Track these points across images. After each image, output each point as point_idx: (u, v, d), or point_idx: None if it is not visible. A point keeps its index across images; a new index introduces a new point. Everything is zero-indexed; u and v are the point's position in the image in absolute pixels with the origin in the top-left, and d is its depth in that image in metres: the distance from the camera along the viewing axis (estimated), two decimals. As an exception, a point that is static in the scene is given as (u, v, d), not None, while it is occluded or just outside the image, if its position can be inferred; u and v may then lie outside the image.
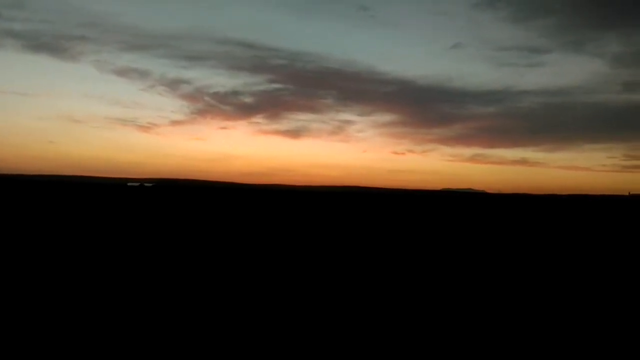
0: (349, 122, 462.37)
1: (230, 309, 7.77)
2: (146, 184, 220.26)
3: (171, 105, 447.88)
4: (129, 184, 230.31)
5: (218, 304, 8.01)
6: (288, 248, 15.49)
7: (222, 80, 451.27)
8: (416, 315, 7.82)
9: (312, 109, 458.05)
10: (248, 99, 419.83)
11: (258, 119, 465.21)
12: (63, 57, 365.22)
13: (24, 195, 53.85)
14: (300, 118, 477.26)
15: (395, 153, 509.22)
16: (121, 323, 6.80)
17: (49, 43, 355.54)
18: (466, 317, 7.74)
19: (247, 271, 11.09)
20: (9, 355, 5.54)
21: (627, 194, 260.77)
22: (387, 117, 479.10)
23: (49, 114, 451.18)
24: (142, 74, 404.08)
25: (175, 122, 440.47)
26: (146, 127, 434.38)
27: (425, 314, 7.86)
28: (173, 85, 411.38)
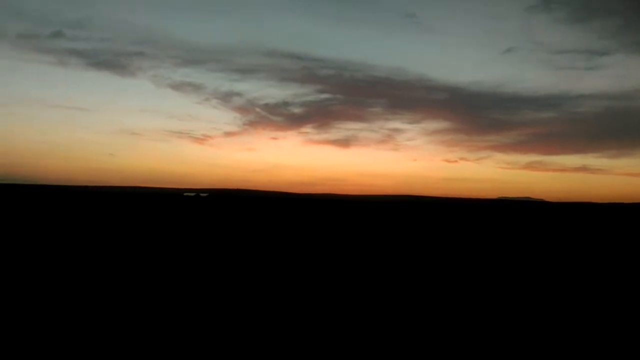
0: (398, 130, 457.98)
1: (285, 317, 7.63)
2: (201, 194, 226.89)
3: (224, 117, 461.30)
4: (185, 194, 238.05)
5: (272, 312, 7.90)
6: (339, 257, 15.26)
7: (272, 92, 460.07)
8: (473, 329, 7.37)
9: (361, 118, 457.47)
10: (297, 110, 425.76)
11: (307, 128, 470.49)
12: (122, 73, 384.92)
13: (87, 205, 56.63)
14: (349, 127, 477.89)
15: (448, 161, 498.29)
16: (186, 326, 6.81)
17: (109, 60, 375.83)
18: (528, 333, 7.22)
19: (299, 279, 10.95)
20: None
21: None
22: (438, 125, 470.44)
23: (109, 128, 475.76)
24: (197, 88, 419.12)
25: (228, 134, 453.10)
26: (201, 139, 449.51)
27: (483, 329, 7.40)
28: (226, 97, 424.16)
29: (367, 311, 8.24)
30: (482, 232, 29.56)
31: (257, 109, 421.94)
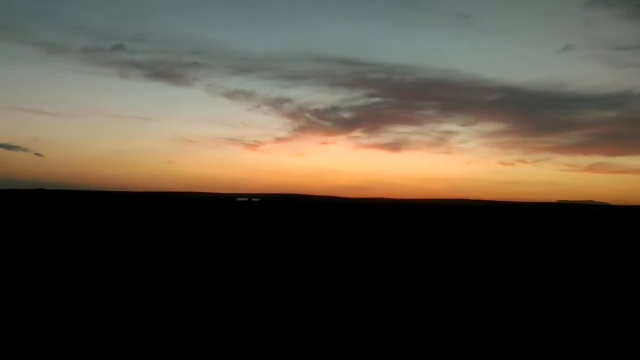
0: (451, 133, 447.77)
1: (336, 322, 7.73)
2: (253, 199, 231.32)
3: (275, 124, 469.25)
4: (238, 199, 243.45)
5: (325, 315, 8.02)
6: (390, 261, 15.19)
7: (322, 97, 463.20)
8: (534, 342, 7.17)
9: (412, 121, 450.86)
10: (347, 114, 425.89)
11: (357, 133, 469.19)
12: (178, 83, 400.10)
13: (147, 210, 59.14)
14: (400, 131, 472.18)
15: (503, 164, 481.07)
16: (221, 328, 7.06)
17: (166, 71, 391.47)
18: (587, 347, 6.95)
19: (350, 283, 11.01)
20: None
21: None
22: (492, 127, 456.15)
23: (167, 136, 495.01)
24: (248, 95, 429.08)
25: (279, 139, 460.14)
26: (253, 145, 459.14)
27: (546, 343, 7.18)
28: (276, 104, 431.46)
29: (420, 318, 8.20)
30: (541, 238, 28.48)
31: (307, 115, 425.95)
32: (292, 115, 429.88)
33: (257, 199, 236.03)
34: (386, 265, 14.36)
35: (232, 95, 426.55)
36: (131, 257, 14.34)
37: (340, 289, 10.38)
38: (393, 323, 7.68)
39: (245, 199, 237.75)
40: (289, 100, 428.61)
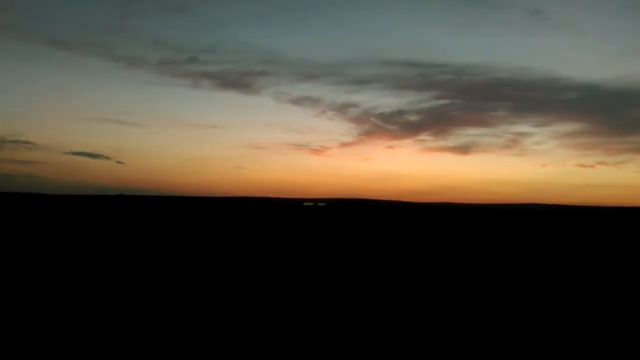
0: (524, 134, 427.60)
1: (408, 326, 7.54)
2: (319, 204, 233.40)
3: (340, 129, 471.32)
4: (304, 203, 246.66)
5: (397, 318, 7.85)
6: (459, 268, 14.67)
7: (387, 101, 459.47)
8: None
9: (482, 123, 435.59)
10: (413, 117, 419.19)
11: (424, 136, 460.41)
12: (247, 92, 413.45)
13: (219, 213, 61.30)
14: (470, 133, 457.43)
15: (582, 166, 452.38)
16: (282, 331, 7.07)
17: (236, 80, 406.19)
18: None
19: (415, 287, 10.73)
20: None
21: None
22: (570, 127, 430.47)
23: (237, 143, 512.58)
24: (314, 101, 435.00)
25: (344, 144, 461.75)
26: (318, 150, 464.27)
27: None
28: (342, 109, 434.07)
29: (494, 327, 7.83)
30: (625, 244, 26.41)
31: (373, 119, 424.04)
32: (357, 119, 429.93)
33: (322, 204, 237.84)
34: (455, 272, 13.89)
35: (298, 101, 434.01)
36: (206, 258, 14.88)
37: (405, 295, 10.15)
38: (470, 331, 7.38)
39: (311, 203, 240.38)
40: (354, 105, 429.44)
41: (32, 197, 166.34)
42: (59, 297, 8.99)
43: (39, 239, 20.30)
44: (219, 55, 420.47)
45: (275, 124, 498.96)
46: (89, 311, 8.04)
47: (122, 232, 25.57)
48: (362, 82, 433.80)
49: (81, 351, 6.08)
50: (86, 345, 6.32)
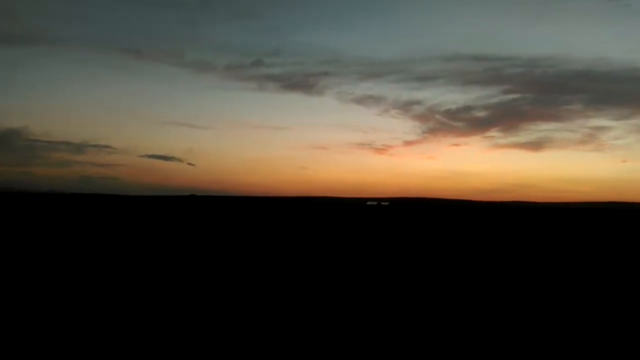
0: (602, 128, 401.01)
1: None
2: (383, 203, 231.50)
3: (404, 127, 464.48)
4: (367, 202, 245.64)
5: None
6: (532, 270, 14.17)
7: (453, 97, 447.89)
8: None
9: (555, 117, 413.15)
10: (481, 113, 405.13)
11: (493, 132, 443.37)
12: (310, 93, 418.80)
13: (282, 212, 62.59)
14: (542, 128, 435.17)
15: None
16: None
17: (300, 81, 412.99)
18: None
19: (484, 289, 10.53)
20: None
21: None
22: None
23: (301, 144, 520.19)
24: (377, 100, 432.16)
25: (408, 143, 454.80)
26: (382, 149, 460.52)
27: None
28: (405, 107, 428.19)
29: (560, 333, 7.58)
30: None
31: (437, 116, 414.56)
32: (421, 117, 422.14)
33: (386, 203, 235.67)
34: (526, 275, 13.46)
35: (361, 100, 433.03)
36: (272, 256, 15.40)
37: (471, 298, 10.00)
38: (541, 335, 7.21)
39: (375, 202, 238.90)
40: (418, 102, 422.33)
41: (112, 198, 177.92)
42: (138, 289, 9.70)
43: (117, 238, 21.77)
44: (282, 57, 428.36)
45: (338, 124, 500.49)
46: (166, 306, 8.62)
47: (193, 231, 26.86)
48: (426, 78, 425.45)
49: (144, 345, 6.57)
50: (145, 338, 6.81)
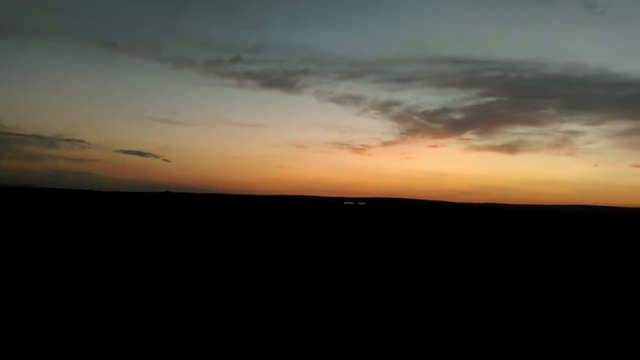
0: (575, 132, 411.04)
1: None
2: (360, 203, 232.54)
3: (382, 127, 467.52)
4: (344, 202, 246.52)
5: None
6: (504, 273, 14.26)
7: (431, 99, 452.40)
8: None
9: (530, 121, 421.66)
10: (458, 115, 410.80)
11: (469, 135, 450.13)
12: (289, 91, 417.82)
13: (260, 211, 62.16)
14: (517, 131, 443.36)
15: (637, 166, 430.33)
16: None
17: (279, 79, 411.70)
18: None
19: (453, 293, 10.51)
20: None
21: None
22: (624, 125, 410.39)
23: (279, 142, 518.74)
24: (356, 100, 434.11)
25: (386, 143, 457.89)
26: (360, 149, 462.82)
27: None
28: (384, 107, 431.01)
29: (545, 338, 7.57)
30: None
31: (416, 117, 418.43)
32: (399, 118, 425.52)
33: (363, 203, 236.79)
34: (499, 276, 13.53)
35: (340, 100, 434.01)
36: (246, 254, 15.14)
37: (441, 296, 9.97)
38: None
39: (352, 202, 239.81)
40: (397, 103, 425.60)
41: (84, 194, 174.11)
42: (107, 289, 9.36)
43: (89, 234, 21.19)
44: (262, 55, 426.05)
45: (317, 123, 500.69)
46: (141, 304, 8.33)
47: (168, 228, 26.35)
48: (404, 80, 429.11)
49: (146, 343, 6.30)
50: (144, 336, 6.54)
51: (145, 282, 10.34)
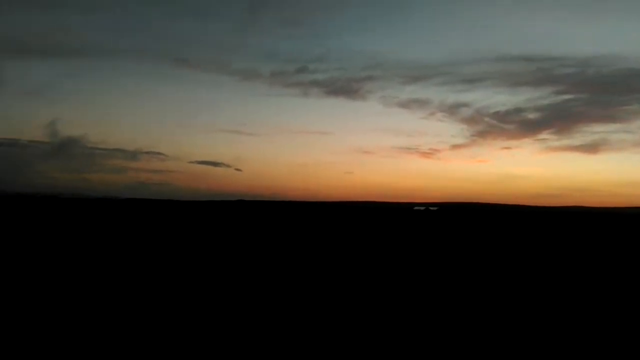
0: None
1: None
2: (431, 208, 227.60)
3: (451, 130, 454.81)
4: (415, 207, 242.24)
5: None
6: (584, 276, 13.55)
7: (502, 99, 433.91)
8: None
9: (612, 119, 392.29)
10: (532, 115, 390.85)
11: (545, 135, 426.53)
12: (354, 97, 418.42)
13: (329, 217, 62.73)
14: (598, 130, 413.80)
15: None
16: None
17: (343, 87, 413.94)
18: None
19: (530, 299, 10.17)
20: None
21: None
22: None
23: (345, 148, 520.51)
24: (423, 103, 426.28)
25: (455, 146, 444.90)
26: (428, 153, 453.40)
27: None
28: (452, 110, 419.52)
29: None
30: None
31: (487, 119, 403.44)
32: (469, 120, 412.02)
33: (434, 208, 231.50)
34: (585, 282, 12.90)
35: (406, 104, 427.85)
36: (316, 260, 15.49)
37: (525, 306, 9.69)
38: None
39: (423, 207, 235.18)
40: (465, 105, 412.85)
41: (165, 203, 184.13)
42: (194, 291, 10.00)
43: (173, 241, 22.51)
44: (326, 63, 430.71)
45: (383, 128, 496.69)
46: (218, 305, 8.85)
47: (241, 233, 27.40)
48: (473, 80, 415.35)
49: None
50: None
51: (223, 281, 10.91)
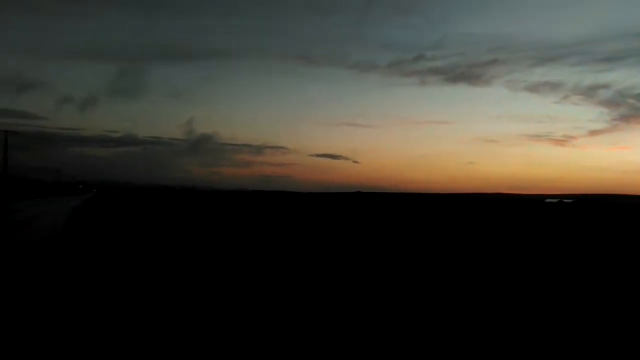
0: None
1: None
2: (565, 200, 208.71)
3: (588, 114, 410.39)
4: (546, 200, 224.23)
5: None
6: None
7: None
8: None
9: None
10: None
11: None
12: (476, 83, 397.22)
13: (451, 210, 60.63)
14: None
15: None
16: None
17: (464, 73, 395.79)
18: None
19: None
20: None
21: None
22: None
23: (467, 137, 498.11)
24: (554, 86, 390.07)
25: (593, 132, 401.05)
26: (561, 141, 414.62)
27: None
28: (589, 92, 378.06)
29: None
30: None
31: (630, 100, 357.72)
32: (609, 103, 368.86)
33: (569, 200, 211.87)
34: None
35: (535, 88, 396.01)
36: (430, 255, 15.04)
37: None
38: None
39: (556, 200, 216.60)
40: (605, 87, 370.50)
41: (287, 195, 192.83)
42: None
43: (295, 233, 23.46)
44: (445, 50, 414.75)
45: (509, 115, 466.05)
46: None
47: (359, 226, 27.63)
48: (613, 59, 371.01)
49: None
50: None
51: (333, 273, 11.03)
